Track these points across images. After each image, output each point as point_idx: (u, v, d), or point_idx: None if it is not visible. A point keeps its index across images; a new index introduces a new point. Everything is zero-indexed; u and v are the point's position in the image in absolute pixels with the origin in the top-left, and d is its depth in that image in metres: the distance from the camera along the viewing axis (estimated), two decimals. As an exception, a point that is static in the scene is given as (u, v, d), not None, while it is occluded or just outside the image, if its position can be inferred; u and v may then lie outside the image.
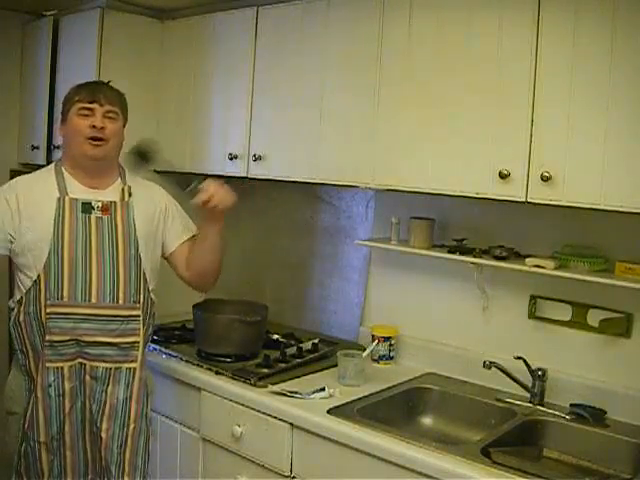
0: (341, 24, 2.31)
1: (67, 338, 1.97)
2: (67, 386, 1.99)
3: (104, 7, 2.69)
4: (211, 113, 2.72)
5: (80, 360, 2.00)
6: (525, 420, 2.05)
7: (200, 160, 2.76)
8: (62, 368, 1.98)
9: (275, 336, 2.69)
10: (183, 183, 2.89)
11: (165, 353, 2.50)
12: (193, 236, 2.26)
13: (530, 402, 2.14)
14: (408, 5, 2.13)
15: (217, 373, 2.30)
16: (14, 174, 3.02)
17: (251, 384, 2.20)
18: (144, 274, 2.09)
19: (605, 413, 2.05)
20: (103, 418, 2.02)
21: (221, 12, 2.68)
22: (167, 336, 2.65)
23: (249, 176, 2.59)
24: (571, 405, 2.09)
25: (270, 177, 2.54)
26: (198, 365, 2.37)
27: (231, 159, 2.61)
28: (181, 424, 2.39)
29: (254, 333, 2.47)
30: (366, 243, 2.50)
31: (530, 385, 2.16)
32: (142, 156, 2.11)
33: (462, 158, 2.03)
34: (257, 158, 2.53)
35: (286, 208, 2.98)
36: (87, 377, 2.00)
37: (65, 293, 1.97)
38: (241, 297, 2.82)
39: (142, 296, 2.07)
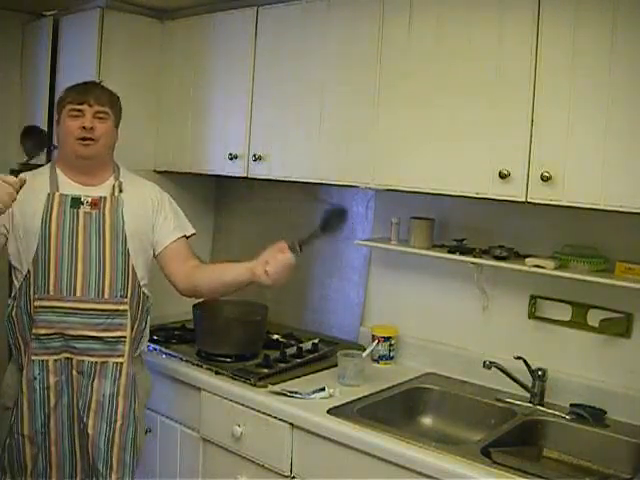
0: (341, 24, 2.30)
1: (53, 331, 2.00)
2: (52, 380, 2.01)
3: (104, 7, 2.69)
4: (211, 113, 2.72)
5: (66, 355, 2.02)
6: (525, 420, 2.05)
7: (200, 160, 2.76)
8: (47, 361, 2.01)
9: (275, 336, 2.69)
10: (184, 183, 2.91)
11: (165, 353, 2.50)
12: (186, 236, 2.25)
13: (530, 402, 2.14)
14: (408, 5, 2.13)
15: (217, 373, 2.30)
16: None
17: (251, 384, 2.20)
18: (133, 269, 2.09)
19: (605, 413, 2.05)
20: (90, 414, 2.03)
21: (221, 12, 2.68)
22: (167, 336, 2.65)
23: (249, 176, 2.58)
24: (571, 405, 2.09)
25: (270, 177, 2.54)
26: (198, 365, 2.37)
27: (231, 159, 2.61)
28: (181, 424, 2.39)
29: (254, 333, 2.47)
30: (366, 243, 2.50)
31: (530, 385, 2.16)
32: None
33: (462, 158, 2.03)
34: (257, 158, 2.53)
35: (286, 208, 2.98)
36: (74, 372, 2.02)
37: (51, 287, 2.00)
38: (241, 297, 2.82)
39: (130, 291, 2.08)
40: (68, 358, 2.02)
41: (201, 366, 2.36)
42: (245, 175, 2.60)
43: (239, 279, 2.09)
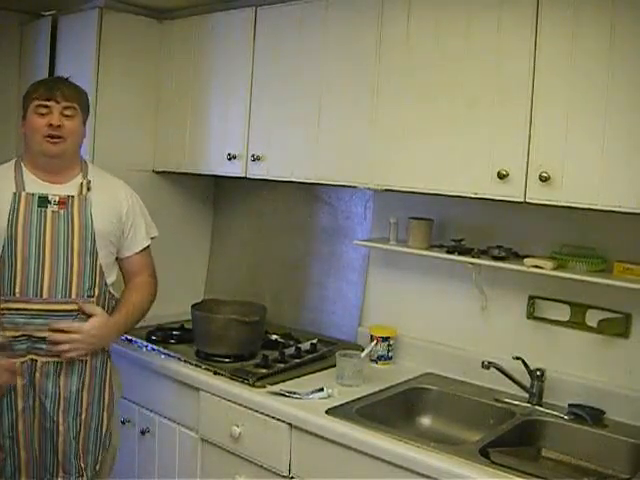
0: (340, 24, 2.30)
1: (19, 334, 1.97)
2: (19, 383, 1.97)
3: (103, 7, 2.69)
4: (210, 113, 2.72)
5: (31, 356, 1.99)
6: (524, 420, 2.04)
7: (199, 160, 2.76)
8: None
9: (274, 336, 2.69)
10: (182, 183, 2.91)
11: (163, 353, 2.49)
12: (148, 246, 2.24)
13: (529, 402, 2.14)
14: (407, 4, 2.13)
15: (215, 373, 2.30)
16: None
17: (249, 384, 2.19)
18: (100, 268, 2.07)
19: (603, 413, 2.05)
20: (59, 412, 2.01)
21: (220, 12, 2.68)
22: (165, 336, 2.64)
23: (248, 176, 2.58)
24: (570, 405, 2.09)
25: (269, 177, 2.54)
26: (196, 365, 2.37)
27: (230, 159, 2.61)
28: (179, 424, 2.39)
29: (252, 333, 2.47)
30: (365, 243, 2.50)
31: (529, 385, 2.16)
32: None
33: (460, 158, 2.03)
34: (256, 158, 2.53)
35: (285, 208, 2.98)
36: (37, 374, 1.99)
37: (17, 289, 1.96)
38: (240, 297, 2.82)
39: (98, 290, 2.06)
40: (33, 360, 1.99)
41: (200, 366, 2.36)
42: (244, 175, 2.59)
43: None
